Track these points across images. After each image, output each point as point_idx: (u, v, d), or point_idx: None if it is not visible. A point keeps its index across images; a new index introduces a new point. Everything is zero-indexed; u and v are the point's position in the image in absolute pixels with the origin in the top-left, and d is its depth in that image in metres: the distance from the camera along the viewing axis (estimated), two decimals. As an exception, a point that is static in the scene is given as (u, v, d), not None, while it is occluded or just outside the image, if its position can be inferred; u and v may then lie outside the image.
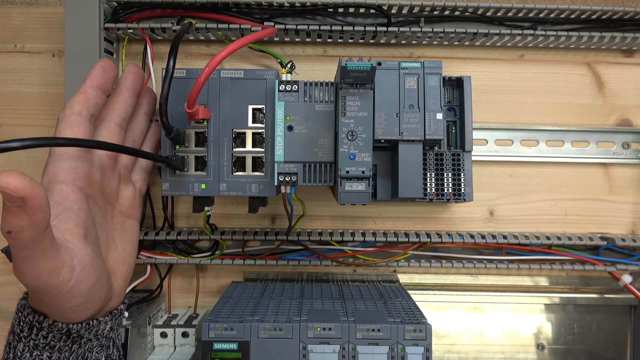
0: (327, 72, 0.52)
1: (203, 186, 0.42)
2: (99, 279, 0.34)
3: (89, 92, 0.36)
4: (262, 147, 0.42)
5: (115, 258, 0.38)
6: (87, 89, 0.36)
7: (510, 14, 0.48)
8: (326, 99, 0.40)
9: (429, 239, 0.48)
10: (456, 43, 0.51)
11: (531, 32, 0.48)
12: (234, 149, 0.42)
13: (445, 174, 0.45)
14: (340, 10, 0.48)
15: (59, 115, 0.35)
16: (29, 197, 0.25)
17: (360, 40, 0.51)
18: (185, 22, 0.45)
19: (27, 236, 0.26)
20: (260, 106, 0.42)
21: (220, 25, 0.46)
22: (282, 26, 0.47)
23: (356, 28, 0.47)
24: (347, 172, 0.37)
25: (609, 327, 0.53)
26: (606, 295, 0.52)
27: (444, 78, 0.41)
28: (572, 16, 0.49)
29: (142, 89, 0.41)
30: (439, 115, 0.38)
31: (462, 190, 0.44)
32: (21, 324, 0.32)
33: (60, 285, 0.30)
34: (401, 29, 0.47)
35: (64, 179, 0.33)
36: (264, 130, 0.42)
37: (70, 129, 0.34)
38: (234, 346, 0.37)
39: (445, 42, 0.51)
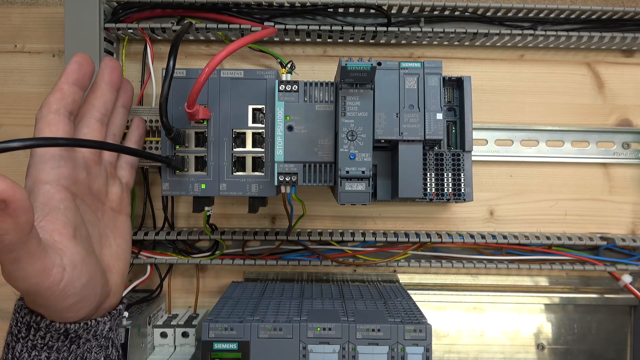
0: (327, 72, 0.52)
1: (203, 186, 0.42)
2: (92, 276, 0.33)
3: (65, 89, 0.35)
4: (262, 147, 0.42)
5: (110, 254, 0.38)
6: (63, 85, 0.35)
7: (510, 14, 0.48)
8: (326, 99, 0.40)
9: (429, 239, 0.48)
10: (456, 43, 0.51)
11: (531, 32, 0.48)
12: (234, 149, 0.42)
13: (445, 174, 0.45)
14: (340, 10, 0.48)
15: (36, 115, 0.34)
16: (10, 199, 0.24)
17: (360, 40, 0.51)
18: (185, 22, 0.45)
19: (11, 239, 0.26)
20: (260, 106, 0.42)
21: (220, 25, 0.46)
22: (282, 26, 0.47)
23: (356, 28, 0.47)
24: (347, 172, 0.37)
25: (609, 327, 0.53)
26: (606, 295, 0.52)
27: (444, 78, 0.41)
28: (572, 16, 0.49)
29: (120, 83, 0.40)
30: (439, 115, 0.38)
31: (462, 190, 0.44)
32: (19, 324, 0.32)
33: (52, 286, 0.30)
34: (401, 29, 0.47)
35: (47, 179, 0.33)
36: (264, 130, 0.42)
37: (49, 128, 0.33)
38: (234, 346, 0.37)
39: (445, 42, 0.51)
